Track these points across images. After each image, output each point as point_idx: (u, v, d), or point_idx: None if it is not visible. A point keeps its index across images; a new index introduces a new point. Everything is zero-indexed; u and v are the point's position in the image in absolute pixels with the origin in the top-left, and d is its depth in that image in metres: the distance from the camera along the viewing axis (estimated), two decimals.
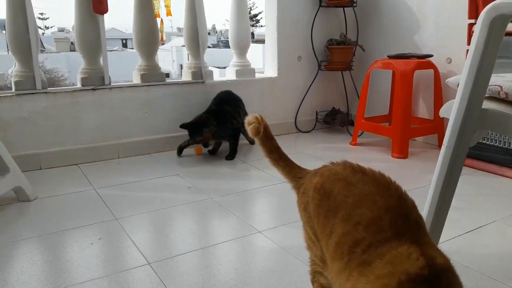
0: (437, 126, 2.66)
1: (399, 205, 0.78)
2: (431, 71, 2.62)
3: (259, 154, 2.58)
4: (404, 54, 2.70)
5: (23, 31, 2.20)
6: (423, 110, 2.86)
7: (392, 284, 0.66)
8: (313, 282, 1.05)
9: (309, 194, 0.93)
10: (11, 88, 2.29)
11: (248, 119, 1.11)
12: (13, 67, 2.33)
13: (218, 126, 2.40)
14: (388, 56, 2.73)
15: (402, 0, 2.89)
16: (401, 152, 2.51)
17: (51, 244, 1.50)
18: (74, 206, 1.83)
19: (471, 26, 2.30)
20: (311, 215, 0.92)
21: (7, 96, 2.21)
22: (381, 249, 0.72)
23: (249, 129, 1.09)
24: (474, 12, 2.28)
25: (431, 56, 2.64)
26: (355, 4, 2.98)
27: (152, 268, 1.33)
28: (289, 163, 1.10)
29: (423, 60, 2.60)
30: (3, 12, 2.24)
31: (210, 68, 2.84)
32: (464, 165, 2.22)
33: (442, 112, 1.31)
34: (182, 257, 1.40)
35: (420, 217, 0.80)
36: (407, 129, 2.51)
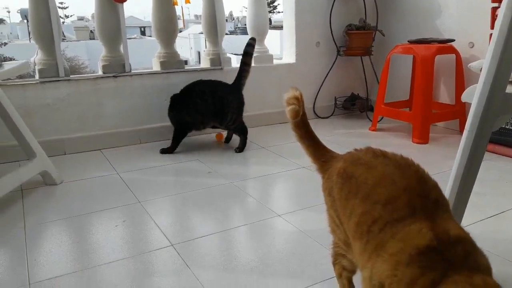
0: (459, 111, 2.62)
1: (418, 185, 0.79)
2: (453, 55, 2.58)
3: (278, 140, 2.60)
4: (425, 38, 2.66)
5: (45, 21, 2.25)
6: (444, 95, 2.82)
7: (403, 260, 0.69)
8: (334, 264, 1.06)
9: (333, 179, 0.94)
10: (34, 76, 2.35)
11: (286, 97, 1.06)
12: (35, 55, 2.38)
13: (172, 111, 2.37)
14: (408, 41, 2.69)
15: None
16: (422, 137, 2.49)
17: (78, 226, 1.56)
18: (99, 190, 1.88)
19: (494, 9, 2.25)
20: (335, 198, 0.94)
21: (31, 83, 2.27)
22: (396, 228, 0.74)
23: (287, 110, 1.05)
24: None
25: (453, 40, 2.59)
26: None
27: (175, 249, 1.37)
28: (315, 143, 1.08)
29: (445, 45, 2.55)
30: (25, 1, 2.28)
31: (228, 55, 2.84)
32: (487, 150, 2.19)
33: (464, 97, 1.30)
34: (204, 239, 1.44)
35: (441, 196, 0.80)
36: (428, 114, 2.48)
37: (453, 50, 2.55)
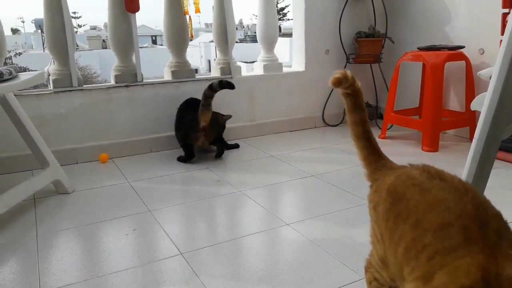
0: (469, 118, 2.60)
1: (475, 213, 0.72)
2: (463, 62, 2.56)
3: (287, 148, 2.60)
4: (435, 45, 2.65)
5: (60, 31, 2.30)
6: (454, 103, 2.80)
7: None
8: (366, 270, 1.04)
9: (382, 195, 0.88)
10: (48, 86, 2.40)
11: (334, 73, 1.00)
12: (49, 65, 2.43)
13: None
14: (418, 48, 2.68)
15: None
16: (432, 145, 2.47)
17: (89, 234, 1.58)
18: (110, 199, 1.91)
19: (505, 15, 2.23)
20: (379, 216, 0.89)
21: (45, 93, 2.31)
22: (446, 258, 0.67)
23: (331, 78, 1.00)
24: (508, 1, 2.21)
25: (462, 47, 2.58)
26: None
27: (185, 258, 1.38)
28: (371, 145, 1.00)
29: (455, 52, 2.54)
30: (40, 12, 2.34)
31: (238, 63, 2.87)
32: (496, 158, 2.17)
33: (474, 105, 1.30)
34: (213, 248, 1.45)
35: (505, 228, 0.72)
36: (437, 122, 2.47)
37: (463, 57, 2.54)
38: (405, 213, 0.79)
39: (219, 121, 2.48)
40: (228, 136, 2.73)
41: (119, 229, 1.61)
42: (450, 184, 0.79)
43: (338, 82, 0.98)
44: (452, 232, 0.70)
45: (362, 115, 1.00)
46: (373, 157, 0.98)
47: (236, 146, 2.64)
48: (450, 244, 0.69)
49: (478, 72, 1.50)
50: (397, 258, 0.79)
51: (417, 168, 0.87)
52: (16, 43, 26.95)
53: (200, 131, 2.32)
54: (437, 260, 0.68)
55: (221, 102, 2.75)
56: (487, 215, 0.72)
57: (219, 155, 2.44)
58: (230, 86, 2.33)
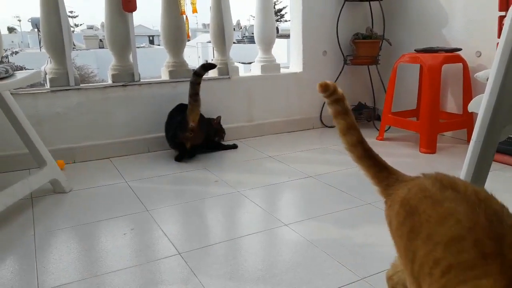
0: (466, 120, 2.62)
1: (488, 225, 0.68)
2: (460, 65, 2.58)
3: (285, 149, 2.61)
4: (432, 48, 2.66)
5: (57, 30, 2.29)
6: (451, 105, 2.81)
7: None
8: (389, 278, 1.03)
9: (395, 209, 0.84)
10: (44, 85, 2.39)
11: (320, 83, 0.95)
12: (45, 64, 2.42)
13: None
14: (415, 50, 2.69)
15: None
16: (429, 147, 2.48)
17: (87, 234, 1.57)
18: (107, 198, 1.90)
19: (501, 18, 2.25)
20: (393, 232, 0.85)
21: (42, 92, 2.31)
22: (465, 275, 0.64)
23: (318, 85, 0.95)
24: (504, 5, 2.23)
25: (459, 49, 2.59)
26: None
27: (183, 258, 1.38)
28: (377, 163, 0.96)
29: (452, 54, 2.56)
30: (36, 10, 2.33)
31: (235, 63, 2.87)
32: (494, 161, 2.18)
33: (471, 107, 1.31)
34: (211, 247, 1.45)
35: None
36: (435, 123, 2.48)
37: (460, 59, 2.55)
38: (418, 227, 0.76)
39: (213, 125, 2.51)
40: (226, 137, 2.73)
41: (117, 228, 1.61)
42: (462, 195, 0.74)
43: (326, 88, 0.94)
44: (464, 246, 0.66)
45: (356, 135, 0.96)
46: (382, 174, 0.94)
47: (234, 146, 2.65)
48: (464, 259, 0.65)
49: (475, 74, 1.51)
50: (414, 276, 0.75)
51: (429, 178, 0.83)
52: (12, 42, 26.81)
53: (188, 131, 2.32)
54: (454, 275, 0.65)
55: (218, 102, 2.76)
56: (502, 227, 0.67)
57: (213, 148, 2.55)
58: (212, 66, 2.44)
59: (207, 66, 2.42)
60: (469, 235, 0.67)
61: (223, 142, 2.66)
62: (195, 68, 2.37)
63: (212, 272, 1.30)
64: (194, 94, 2.30)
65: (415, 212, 0.77)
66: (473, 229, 0.68)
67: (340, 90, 0.95)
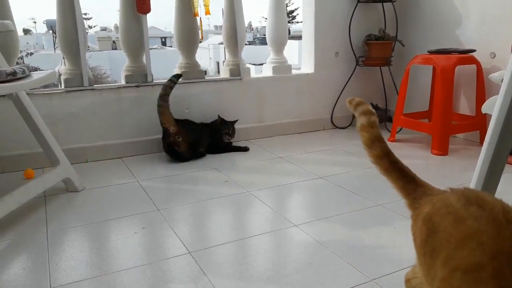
0: (479, 122, 2.59)
1: None
2: (474, 66, 2.55)
3: (296, 150, 2.61)
4: (445, 49, 2.64)
5: (72, 32, 2.32)
6: (464, 106, 2.78)
7: None
8: (407, 281, 1.01)
9: (418, 225, 0.80)
10: (58, 86, 2.42)
11: (356, 101, 0.94)
12: (60, 65, 2.46)
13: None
14: (428, 52, 2.67)
15: None
16: (441, 149, 2.46)
17: (98, 232, 1.59)
18: (119, 197, 1.92)
19: None
20: (417, 250, 0.81)
21: (57, 93, 2.34)
22: None
23: (362, 122, 0.93)
24: None
25: (473, 51, 2.56)
26: None
27: (193, 257, 1.38)
28: (404, 175, 0.90)
29: (465, 55, 2.53)
30: (51, 12, 2.37)
31: (247, 65, 2.88)
32: (507, 163, 2.15)
33: (485, 108, 1.29)
34: (221, 247, 1.45)
35: None
36: (447, 125, 2.45)
37: (474, 61, 2.52)
38: (439, 247, 0.70)
39: (214, 128, 2.58)
40: (237, 137, 2.74)
41: (128, 227, 1.62)
42: (488, 213, 0.67)
43: (372, 126, 0.91)
44: (483, 277, 0.60)
45: (381, 146, 0.91)
46: (410, 186, 0.88)
47: (245, 149, 2.63)
48: None
49: (490, 75, 1.49)
50: None
51: (455, 193, 0.76)
52: (27, 43, 27.26)
53: (172, 136, 2.35)
54: None
55: (230, 103, 2.78)
56: None
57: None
58: (180, 76, 2.51)
59: (178, 76, 2.51)
60: (490, 264, 0.61)
61: (233, 144, 2.67)
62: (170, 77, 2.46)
63: (222, 271, 1.30)
64: (164, 95, 2.37)
65: (437, 229, 0.72)
66: (496, 257, 0.61)
67: (367, 104, 0.94)
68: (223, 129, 2.61)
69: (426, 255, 0.74)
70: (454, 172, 2.17)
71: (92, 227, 1.63)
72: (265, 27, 3.21)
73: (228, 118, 2.71)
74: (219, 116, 2.63)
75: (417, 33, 3.05)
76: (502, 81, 1.12)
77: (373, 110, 0.93)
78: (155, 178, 2.16)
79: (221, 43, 3.03)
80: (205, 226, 1.65)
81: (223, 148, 2.59)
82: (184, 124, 2.45)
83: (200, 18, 2.61)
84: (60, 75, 2.42)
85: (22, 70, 1.67)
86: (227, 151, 2.59)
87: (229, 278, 1.27)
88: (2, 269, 1.34)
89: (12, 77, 1.59)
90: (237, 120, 2.68)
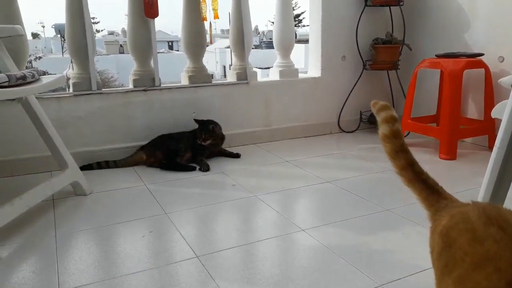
0: (488, 127, 2.57)
1: None
2: (482, 70, 2.53)
3: (302, 154, 2.60)
4: (453, 53, 2.63)
5: (81, 36, 2.34)
6: (472, 111, 2.76)
7: None
8: None
9: (435, 238, 0.76)
10: (66, 89, 2.44)
11: (380, 104, 0.90)
12: (67, 69, 2.48)
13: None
14: (436, 55, 2.66)
15: None
16: (449, 153, 2.44)
17: (106, 235, 1.60)
18: (127, 201, 1.93)
19: None
20: (433, 264, 0.76)
21: (65, 96, 2.36)
22: None
23: (385, 123, 0.88)
24: None
25: (482, 55, 2.55)
26: (402, 3, 2.93)
27: (200, 261, 1.38)
28: (428, 186, 0.87)
29: (473, 59, 2.52)
30: (60, 17, 2.39)
31: (253, 69, 2.88)
32: None
33: (495, 113, 1.29)
34: (228, 251, 1.45)
35: None
36: (455, 129, 2.44)
37: (482, 65, 2.51)
38: (452, 263, 0.66)
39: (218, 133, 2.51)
40: (243, 141, 2.75)
41: (135, 231, 1.63)
42: (509, 237, 0.63)
43: (394, 134, 0.87)
44: None
45: (405, 157, 0.87)
46: (433, 197, 0.84)
47: (237, 155, 2.57)
48: None
49: (499, 80, 1.48)
50: None
51: (477, 208, 0.72)
52: (36, 47, 27.49)
53: (147, 163, 2.41)
54: None
55: (236, 107, 2.78)
56: None
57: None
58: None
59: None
60: None
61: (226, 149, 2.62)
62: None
63: (229, 276, 1.30)
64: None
65: (452, 245, 0.68)
66: None
67: (391, 110, 0.88)
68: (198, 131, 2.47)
69: (438, 270, 0.71)
70: (462, 177, 2.16)
71: (100, 231, 1.64)
72: (271, 31, 3.22)
73: (236, 122, 2.72)
74: (194, 118, 2.53)
75: (425, 37, 3.04)
76: (511, 85, 1.11)
77: (396, 116, 0.89)
78: (162, 181, 2.17)
79: (228, 47, 3.04)
80: (213, 230, 1.65)
81: (200, 152, 2.44)
82: (155, 143, 2.43)
83: (210, 22, 2.63)
84: (68, 79, 2.43)
85: (31, 74, 1.68)
86: (202, 155, 2.44)
87: (236, 283, 1.26)
88: (12, 272, 1.35)
89: (22, 81, 1.61)
90: (210, 120, 2.51)
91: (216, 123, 2.51)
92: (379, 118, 0.89)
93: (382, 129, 0.88)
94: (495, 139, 1.14)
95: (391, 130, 0.87)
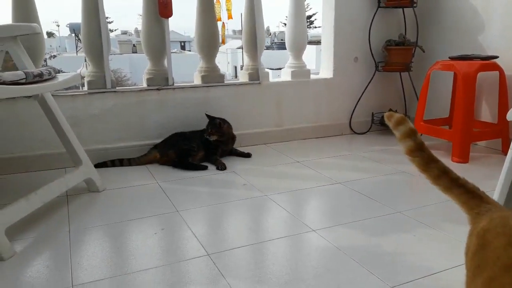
0: (501, 130, 2.54)
1: None
2: (496, 73, 2.51)
3: (313, 154, 2.60)
4: (467, 55, 2.61)
5: (96, 35, 2.38)
6: (486, 114, 2.74)
7: None
8: None
9: (472, 240, 0.75)
10: (79, 88, 2.47)
11: (397, 118, 0.89)
12: (81, 67, 2.51)
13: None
14: (449, 57, 2.64)
15: (465, 0, 2.79)
16: (462, 156, 2.42)
17: (119, 232, 1.62)
18: (139, 198, 1.95)
19: None
20: (466, 265, 0.76)
21: (80, 94, 2.40)
22: None
23: (403, 140, 0.88)
24: None
25: (496, 57, 2.53)
26: (415, 4, 2.91)
27: (211, 259, 1.40)
28: (468, 190, 0.85)
29: (488, 62, 2.49)
30: (75, 16, 2.43)
31: (265, 69, 2.89)
32: None
33: (510, 115, 1.27)
34: (239, 250, 1.46)
35: None
36: (468, 132, 2.42)
37: (496, 67, 2.48)
38: (484, 264, 0.66)
39: (229, 132, 2.53)
40: (254, 141, 2.76)
41: (147, 228, 1.65)
42: None
43: (412, 151, 0.87)
44: None
45: (437, 166, 0.87)
46: (473, 201, 0.83)
47: (248, 155, 2.59)
48: None
49: None
50: None
51: None
52: (50, 46, 27.80)
53: (160, 162, 2.44)
54: None
55: (248, 107, 2.79)
56: None
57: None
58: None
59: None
60: None
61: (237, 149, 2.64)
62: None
63: (240, 274, 1.31)
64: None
65: (486, 247, 0.68)
66: None
67: (408, 122, 0.87)
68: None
69: (470, 270, 0.71)
70: (475, 180, 2.12)
71: (113, 227, 1.66)
72: (282, 32, 3.23)
73: (247, 122, 2.73)
74: (206, 113, 2.53)
75: (438, 39, 3.02)
76: None
77: (414, 128, 0.87)
78: (174, 179, 2.19)
79: (239, 48, 3.05)
80: (224, 228, 1.66)
81: (212, 151, 2.45)
82: (168, 142, 2.45)
83: (223, 22, 2.64)
84: (82, 77, 2.47)
85: (48, 71, 1.71)
86: (216, 154, 2.45)
87: (247, 281, 1.27)
88: (26, 266, 1.38)
89: (39, 78, 1.64)
90: (219, 117, 2.51)
91: (225, 120, 2.53)
92: (398, 133, 0.88)
93: (406, 145, 0.87)
94: (508, 143, 1.13)
95: (415, 143, 0.87)
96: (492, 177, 1.12)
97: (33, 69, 1.71)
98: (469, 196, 0.84)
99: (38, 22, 2.23)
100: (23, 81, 1.55)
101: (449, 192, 0.86)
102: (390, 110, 3.18)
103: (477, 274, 0.66)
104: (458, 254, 1.38)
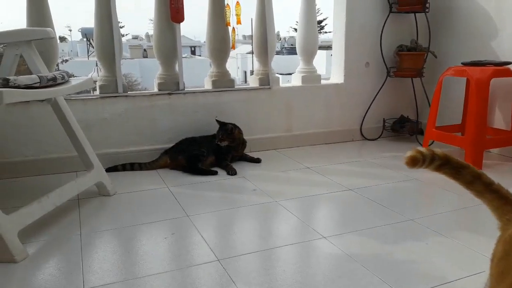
0: None
1: None
2: (510, 79, 2.48)
3: (324, 160, 2.59)
4: (480, 61, 2.58)
5: (108, 39, 2.40)
6: (499, 120, 2.70)
7: None
8: None
9: (498, 247, 0.76)
10: (90, 92, 2.49)
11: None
12: (93, 72, 2.54)
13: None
14: (462, 63, 2.62)
15: (478, 5, 2.76)
16: (474, 163, 2.36)
17: (129, 236, 1.62)
18: (149, 203, 1.96)
19: None
20: (491, 269, 0.76)
21: (92, 98, 2.42)
22: None
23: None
24: None
25: (510, 63, 2.50)
26: (427, 10, 2.90)
27: (222, 265, 1.39)
28: (501, 196, 0.84)
29: (501, 68, 2.46)
30: (87, 21, 2.46)
31: (275, 74, 2.89)
32: None
33: None
34: (249, 256, 1.46)
35: None
36: (481, 139, 2.39)
37: (510, 73, 2.45)
38: (508, 270, 0.67)
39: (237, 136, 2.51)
40: (264, 146, 2.75)
41: (158, 232, 1.65)
42: None
43: (413, 162, 0.88)
44: None
45: (469, 172, 0.86)
46: (506, 207, 0.82)
47: (257, 160, 2.59)
48: None
49: None
50: None
51: None
52: (63, 50, 28.16)
53: (172, 167, 2.44)
54: None
55: (258, 111, 2.79)
56: None
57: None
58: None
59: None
60: None
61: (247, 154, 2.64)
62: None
63: (251, 280, 1.30)
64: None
65: (511, 254, 0.68)
66: None
67: (439, 151, 0.87)
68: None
69: (493, 275, 0.71)
70: None
71: (123, 231, 1.66)
72: (293, 37, 3.23)
73: (257, 127, 2.72)
74: (216, 119, 2.54)
75: (451, 45, 2.99)
76: None
77: (438, 154, 0.88)
78: (185, 184, 2.19)
79: (249, 53, 3.06)
80: (234, 233, 1.66)
81: (223, 156, 2.46)
82: (178, 147, 2.46)
83: (233, 27, 2.65)
84: (94, 81, 2.49)
85: (61, 75, 1.73)
86: (226, 160, 2.45)
87: (257, 287, 1.26)
88: (38, 269, 1.39)
89: (53, 82, 1.66)
90: (229, 123, 2.51)
91: (236, 125, 2.53)
92: (433, 166, 0.88)
93: (433, 168, 0.88)
94: None
95: (452, 167, 0.87)
96: (506, 185, 1.11)
97: (46, 73, 1.73)
98: (502, 202, 0.82)
99: (52, 27, 2.26)
100: (37, 85, 1.57)
101: (481, 197, 0.85)
102: (402, 116, 3.16)
103: (500, 280, 0.66)
104: (472, 263, 1.37)
